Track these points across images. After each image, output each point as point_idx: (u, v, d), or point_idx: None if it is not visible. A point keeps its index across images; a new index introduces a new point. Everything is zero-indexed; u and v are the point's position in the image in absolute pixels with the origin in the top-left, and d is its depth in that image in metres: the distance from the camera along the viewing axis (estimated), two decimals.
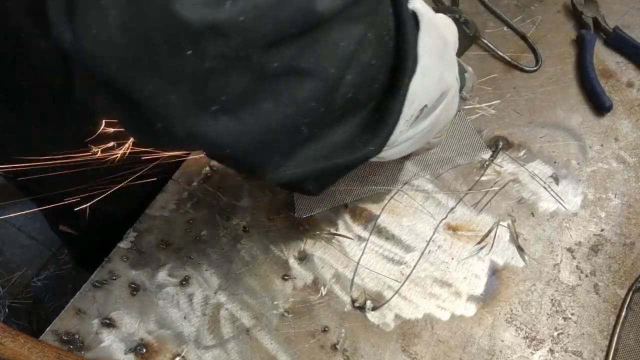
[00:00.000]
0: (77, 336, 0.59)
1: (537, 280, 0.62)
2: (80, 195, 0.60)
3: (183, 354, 0.59)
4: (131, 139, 0.55)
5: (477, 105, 0.72)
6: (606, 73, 0.74)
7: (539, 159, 0.69)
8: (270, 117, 0.37)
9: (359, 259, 0.63)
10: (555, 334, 0.59)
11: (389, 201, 0.66)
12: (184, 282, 0.62)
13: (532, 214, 0.66)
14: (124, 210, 0.70)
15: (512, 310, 0.61)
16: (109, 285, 0.62)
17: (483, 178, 0.68)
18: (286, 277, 0.62)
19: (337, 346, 0.59)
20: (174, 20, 0.30)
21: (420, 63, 0.42)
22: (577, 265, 0.63)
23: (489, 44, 0.76)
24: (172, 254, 0.63)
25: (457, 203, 0.66)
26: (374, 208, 0.66)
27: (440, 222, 0.65)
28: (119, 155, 0.56)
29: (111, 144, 0.55)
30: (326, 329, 0.60)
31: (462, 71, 0.58)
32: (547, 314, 0.60)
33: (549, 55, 0.76)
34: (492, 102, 0.73)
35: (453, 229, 0.65)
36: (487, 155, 0.69)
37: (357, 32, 0.36)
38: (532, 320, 0.60)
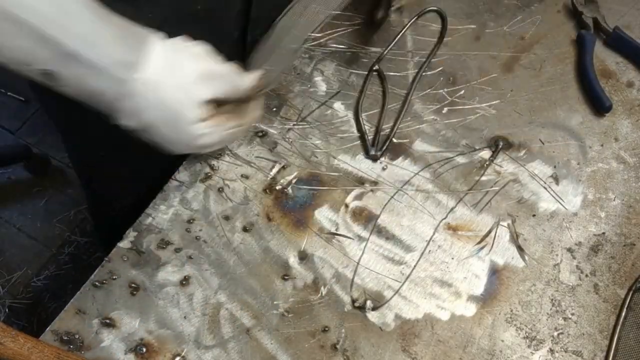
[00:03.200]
0: (77, 336, 0.59)
1: (537, 280, 0.62)
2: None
3: (183, 353, 0.59)
4: None
5: (477, 105, 0.73)
6: (606, 73, 0.74)
7: (539, 159, 0.69)
8: None
9: (359, 259, 0.63)
10: (555, 334, 0.59)
11: (389, 201, 0.67)
12: (184, 282, 0.62)
13: (533, 214, 0.66)
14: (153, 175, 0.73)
15: (512, 310, 0.61)
16: (109, 285, 0.62)
17: (483, 178, 0.68)
18: (286, 277, 0.62)
19: (337, 346, 0.59)
20: None
21: None
22: (577, 265, 0.63)
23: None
24: (172, 254, 0.63)
25: (457, 203, 0.66)
26: (374, 208, 0.66)
27: (440, 222, 0.65)
28: None
29: None
30: (326, 329, 0.60)
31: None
32: (547, 314, 0.60)
33: (549, 55, 0.76)
34: (492, 102, 0.73)
35: (453, 229, 0.65)
36: (487, 155, 0.69)
37: None
38: (532, 320, 0.60)
